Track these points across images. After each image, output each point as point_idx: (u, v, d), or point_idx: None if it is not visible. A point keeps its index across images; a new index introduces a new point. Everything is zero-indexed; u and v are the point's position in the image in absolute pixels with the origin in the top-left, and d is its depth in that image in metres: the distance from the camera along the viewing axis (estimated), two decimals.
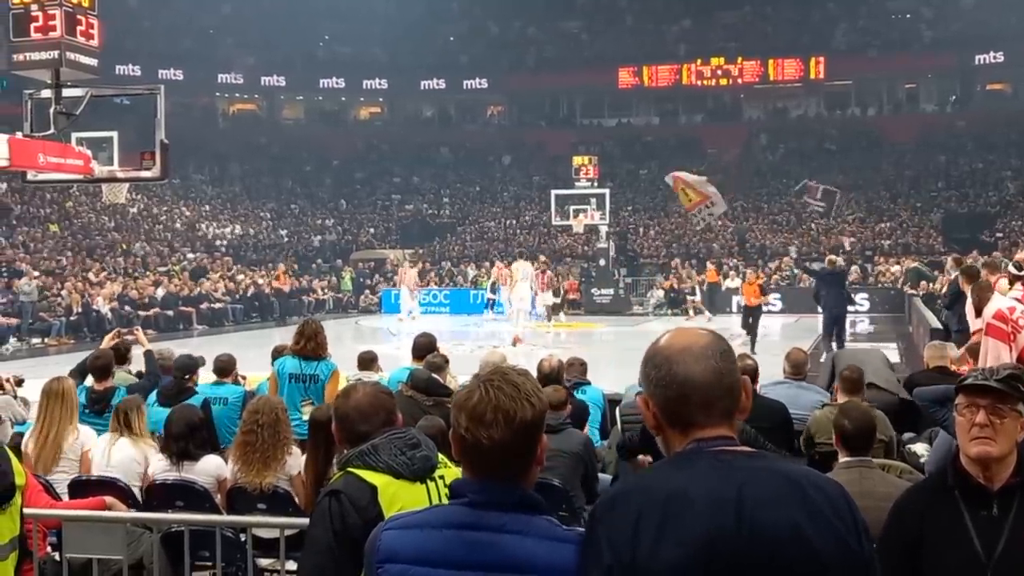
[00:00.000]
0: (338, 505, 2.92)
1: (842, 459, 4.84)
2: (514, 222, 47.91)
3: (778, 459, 2.35)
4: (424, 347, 8.92)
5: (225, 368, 8.90)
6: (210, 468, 6.19)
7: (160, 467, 6.19)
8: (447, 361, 8.48)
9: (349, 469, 3.05)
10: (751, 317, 22.12)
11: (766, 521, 2.07)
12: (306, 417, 7.25)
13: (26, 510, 4.00)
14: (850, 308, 21.80)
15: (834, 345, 18.02)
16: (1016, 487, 3.00)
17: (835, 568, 2.08)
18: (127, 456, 6.35)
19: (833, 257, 21.62)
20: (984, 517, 2.98)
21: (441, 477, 3.05)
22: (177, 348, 10.26)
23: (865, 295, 33.35)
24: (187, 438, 6.16)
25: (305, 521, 5.21)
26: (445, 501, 2.61)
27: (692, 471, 2.15)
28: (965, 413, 3.06)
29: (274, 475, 6.00)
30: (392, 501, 2.87)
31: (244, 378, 9.77)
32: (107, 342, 9.27)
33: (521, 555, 2.27)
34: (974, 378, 3.11)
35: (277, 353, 9.19)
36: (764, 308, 23.55)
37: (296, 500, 5.94)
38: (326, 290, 37.41)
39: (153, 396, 7.96)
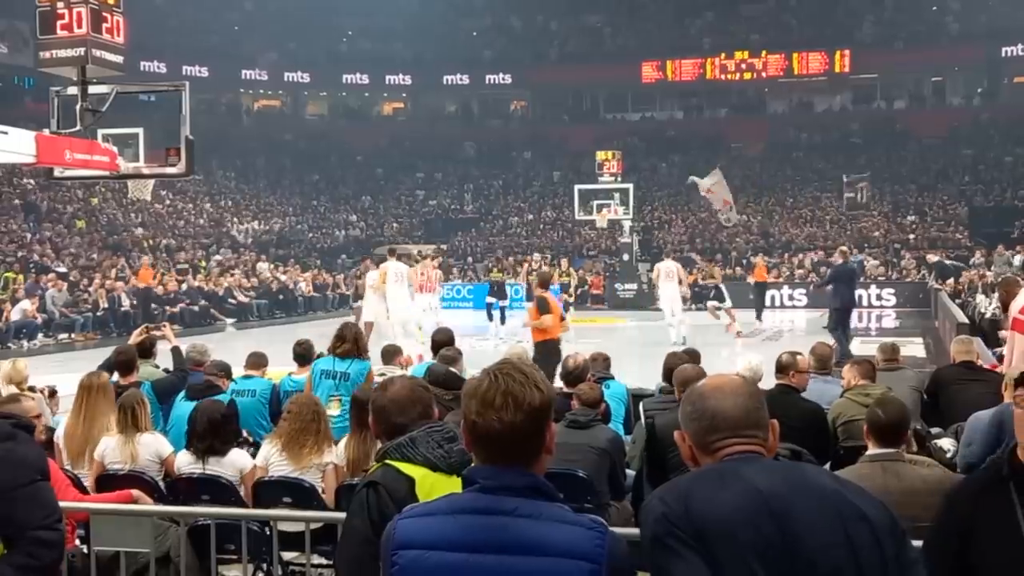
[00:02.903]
0: (376, 496, 2.95)
1: (869, 451, 4.80)
2: (537, 217, 47.89)
3: (815, 467, 2.55)
4: (442, 343, 8.96)
5: (258, 363, 9.00)
6: (235, 462, 6.24)
7: (185, 461, 6.24)
8: (460, 354, 8.52)
9: (387, 461, 3.07)
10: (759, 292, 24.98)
11: (813, 484, 2.37)
12: (332, 413, 7.32)
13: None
14: (876, 303, 21.65)
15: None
16: None
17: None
18: (145, 451, 6.38)
19: (844, 249, 21.45)
20: None
21: None
22: (204, 343, 10.29)
23: (891, 290, 33.15)
24: (213, 434, 6.21)
25: (331, 515, 5.26)
26: None
27: (731, 464, 2.43)
28: (1022, 404, 3.07)
29: (311, 460, 6.09)
30: (429, 493, 2.88)
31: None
32: (135, 338, 9.34)
33: (535, 538, 2.31)
34: None
35: (303, 351, 9.28)
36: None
37: (322, 495, 5.97)
38: (350, 285, 37.49)
39: (182, 392, 8.01)
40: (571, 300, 25.08)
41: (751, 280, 27.44)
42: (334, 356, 8.06)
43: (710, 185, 28.81)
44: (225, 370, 8.53)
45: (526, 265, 27.98)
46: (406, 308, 18.70)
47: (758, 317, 25.95)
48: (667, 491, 2.41)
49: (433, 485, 2.94)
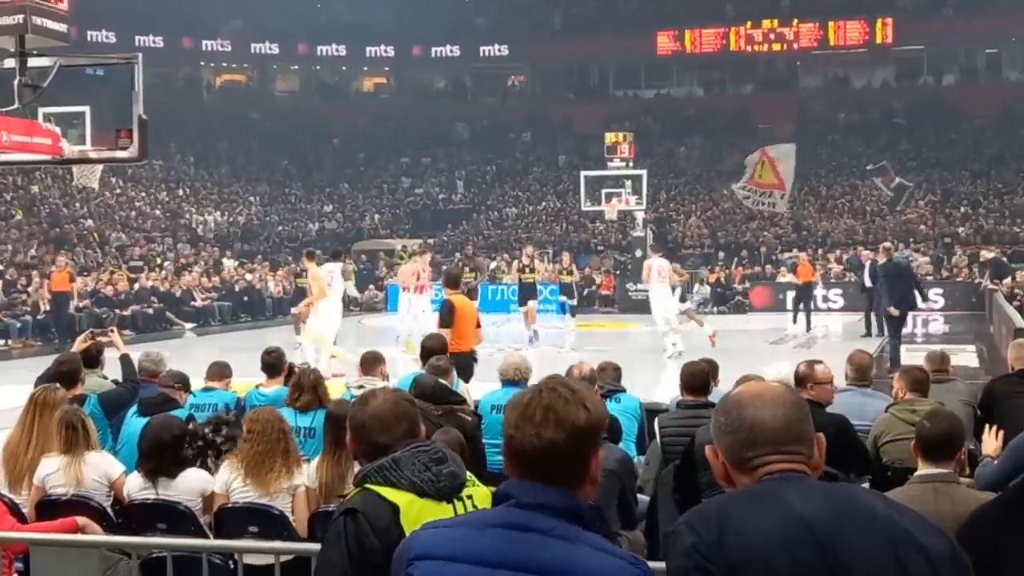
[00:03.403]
0: (355, 525, 2.95)
1: (919, 471, 4.80)
2: (538, 208, 47.90)
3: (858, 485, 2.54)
4: (432, 350, 8.94)
5: (220, 374, 8.99)
6: (192, 484, 6.21)
7: (136, 485, 6.21)
8: (451, 365, 8.50)
9: (367, 486, 3.06)
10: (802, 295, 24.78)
11: (863, 508, 2.35)
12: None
13: None
14: (922, 306, 21.64)
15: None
16: None
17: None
18: (92, 472, 6.36)
19: (888, 245, 21.46)
20: None
21: (469, 497, 3.07)
22: (159, 351, 10.29)
23: (939, 290, 33.15)
24: (162, 452, 6.17)
25: (303, 546, 5.24)
26: None
27: (771, 485, 2.40)
28: None
29: (280, 485, 6.07)
30: (416, 522, 2.88)
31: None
32: (79, 345, 9.30)
33: (570, 562, 2.34)
34: None
35: (273, 361, 9.24)
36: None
37: (293, 523, 5.97)
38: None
39: (133, 407, 7.99)
40: (573, 303, 24.68)
41: (794, 280, 27.27)
42: (294, 410, 7.76)
43: (781, 165, 28.58)
44: (182, 382, 8.51)
45: (516, 263, 27.18)
46: (331, 323, 18.29)
47: (806, 325, 26.06)
48: (697, 516, 2.39)
49: (420, 512, 2.93)
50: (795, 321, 26.16)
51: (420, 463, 3.07)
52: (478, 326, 12.29)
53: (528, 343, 22.64)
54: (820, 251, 39.02)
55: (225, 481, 6.21)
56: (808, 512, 2.29)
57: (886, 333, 20.43)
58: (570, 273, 25.83)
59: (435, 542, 2.45)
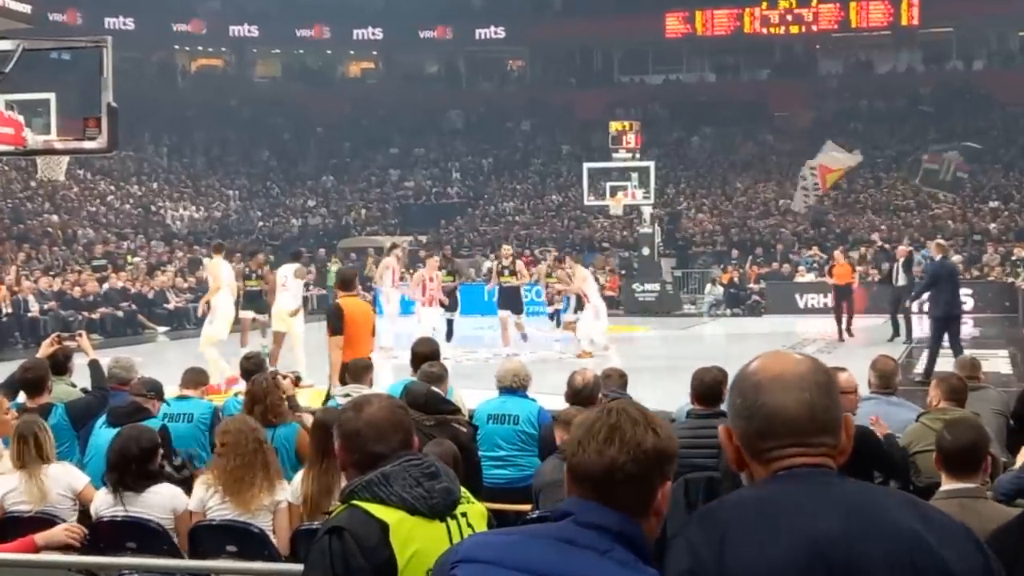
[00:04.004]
0: (340, 545, 2.95)
1: (944, 486, 4.81)
2: (538, 202, 47.90)
3: (886, 488, 2.47)
4: (424, 356, 8.95)
5: (197, 381, 8.99)
6: (164, 501, 6.19)
7: (104, 502, 6.21)
8: (446, 371, 8.50)
9: (354, 502, 3.06)
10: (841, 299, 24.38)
11: (884, 522, 2.21)
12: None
13: None
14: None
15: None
16: None
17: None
18: (56, 486, 6.36)
19: (942, 242, 21.17)
20: None
21: (464, 514, 3.07)
22: (132, 357, 10.29)
23: (968, 291, 33.07)
24: (128, 465, 6.16)
25: (285, 567, 5.25)
26: None
27: (787, 489, 2.28)
28: None
29: (260, 502, 6.06)
30: (406, 542, 2.88)
31: (216, 391, 9.82)
32: (44, 350, 9.29)
33: None
34: None
35: (253, 367, 9.23)
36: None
37: (273, 540, 5.96)
38: (309, 286, 37.45)
39: (102, 417, 7.99)
40: (562, 308, 23.97)
41: (830, 281, 26.05)
42: None
43: (842, 161, 28.57)
44: (155, 389, 8.51)
45: (494, 264, 25.09)
46: (224, 324, 17.69)
47: (846, 330, 24.96)
48: (698, 531, 2.29)
49: (411, 532, 2.94)
50: (841, 332, 24.80)
51: (411, 478, 3.07)
52: (372, 333, 12.04)
53: (523, 338, 22.45)
54: (842, 248, 38.98)
55: (201, 499, 6.18)
56: (822, 531, 2.18)
57: (913, 336, 20.40)
58: (512, 272, 23.28)
59: (483, 547, 2.48)
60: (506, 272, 22.88)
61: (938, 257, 19.08)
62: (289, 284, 18.46)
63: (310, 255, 42.04)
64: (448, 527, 3.01)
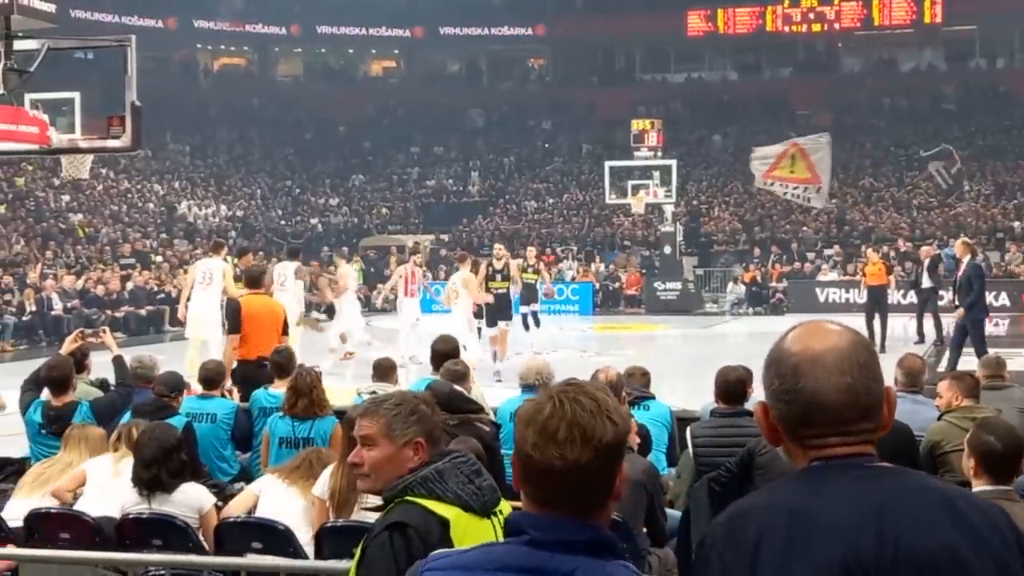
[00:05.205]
0: (404, 541, 2.92)
1: (977, 487, 4.74)
2: (559, 201, 47.86)
3: (925, 475, 2.34)
4: (444, 354, 8.95)
5: (213, 379, 8.98)
6: (190, 499, 6.24)
7: (131, 499, 6.24)
8: (469, 369, 8.50)
9: (409, 499, 3.05)
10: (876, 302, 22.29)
11: (915, 543, 2.09)
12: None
13: None
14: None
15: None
16: None
17: None
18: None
19: (968, 241, 20.70)
20: None
21: (500, 512, 3.06)
22: (155, 355, 10.33)
23: (992, 291, 32.95)
24: (160, 464, 6.19)
25: (315, 564, 5.26)
26: None
27: (820, 488, 2.19)
28: None
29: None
30: (463, 538, 2.87)
31: (231, 392, 9.83)
32: (68, 346, 9.32)
33: None
34: None
35: (283, 361, 9.25)
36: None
37: (296, 536, 5.96)
38: (308, 286, 37.40)
39: (127, 415, 8.02)
40: (536, 308, 21.62)
41: (862, 282, 24.50)
42: (292, 417, 7.72)
43: (814, 157, 28.24)
44: (178, 388, 8.53)
45: (485, 266, 20.50)
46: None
47: (880, 346, 21.37)
48: (727, 538, 2.21)
49: (466, 529, 2.94)
50: (879, 344, 21.44)
51: (463, 475, 3.08)
52: (284, 332, 11.80)
53: (533, 323, 21.24)
54: (864, 247, 38.83)
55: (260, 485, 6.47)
56: (851, 552, 2.09)
57: (938, 339, 20.16)
58: (536, 271, 21.76)
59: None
60: (499, 276, 19.66)
61: (967, 258, 18.58)
62: (288, 285, 17.83)
63: (331, 253, 42.14)
64: (493, 524, 3.00)
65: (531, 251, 23.76)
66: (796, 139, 25.22)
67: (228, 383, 9.85)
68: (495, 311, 19.31)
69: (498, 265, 19.72)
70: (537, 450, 2.29)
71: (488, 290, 19.24)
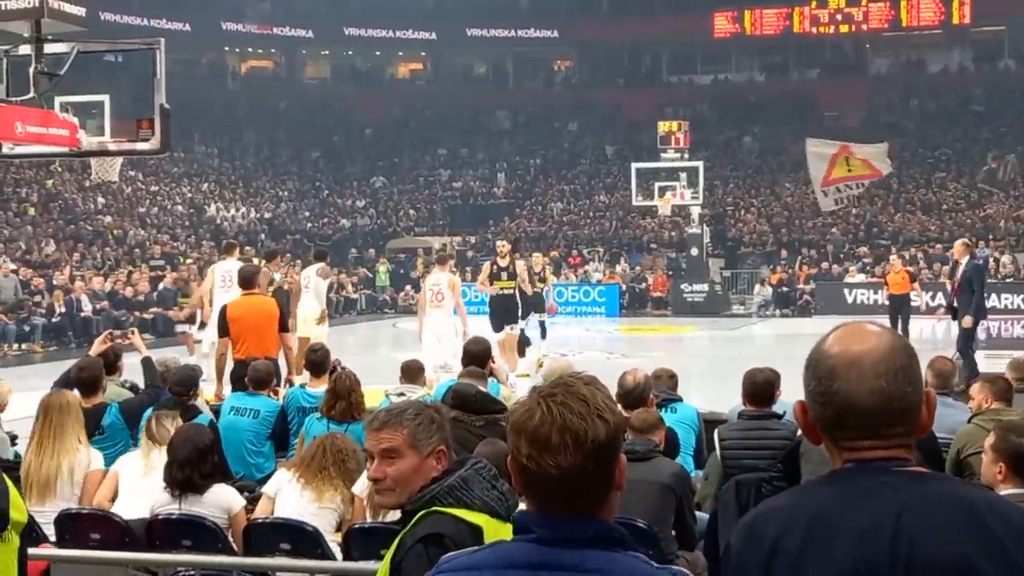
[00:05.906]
0: (440, 552, 2.81)
1: (1004, 490, 4.71)
2: (585, 203, 47.82)
3: (954, 481, 2.34)
4: (476, 356, 8.96)
5: (262, 379, 9.16)
6: (220, 500, 6.28)
7: (161, 500, 6.27)
8: (491, 371, 8.52)
9: (438, 508, 3.04)
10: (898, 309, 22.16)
11: (927, 553, 2.09)
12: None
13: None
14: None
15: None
16: None
17: None
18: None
19: (967, 241, 20.60)
20: None
21: None
22: (179, 357, 10.39)
23: (1018, 293, 32.74)
24: (194, 465, 6.22)
25: (344, 565, 5.27)
26: None
27: (844, 492, 2.20)
28: None
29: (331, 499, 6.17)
30: None
31: (276, 392, 9.88)
32: (97, 347, 9.37)
33: None
34: None
35: (319, 359, 9.30)
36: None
37: (324, 536, 5.98)
38: (358, 286, 37.61)
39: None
40: (544, 318, 20.60)
41: (887, 290, 24.35)
42: (329, 419, 7.81)
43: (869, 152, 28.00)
44: (188, 382, 8.59)
45: (488, 266, 18.98)
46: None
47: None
48: (750, 532, 2.25)
49: (496, 535, 2.91)
50: None
51: (486, 482, 3.08)
52: (283, 329, 11.83)
53: (547, 319, 20.57)
54: (895, 249, 38.67)
55: (278, 483, 6.47)
56: (864, 550, 2.11)
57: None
58: (542, 280, 20.70)
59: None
60: (504, 276, 18.14)
61: (965, 259, 18.39)
62: (311, 285, 17.42)
63: (359, 255, 42.28)
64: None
65: (537, 258, 23.09)
66: (851, 145, 25.15)
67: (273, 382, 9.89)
68: (501, 314, 18.02)
69: (503, 263, 18.21)
70: (532, 460, 2.28)
71: (495, 293, 18.14)
